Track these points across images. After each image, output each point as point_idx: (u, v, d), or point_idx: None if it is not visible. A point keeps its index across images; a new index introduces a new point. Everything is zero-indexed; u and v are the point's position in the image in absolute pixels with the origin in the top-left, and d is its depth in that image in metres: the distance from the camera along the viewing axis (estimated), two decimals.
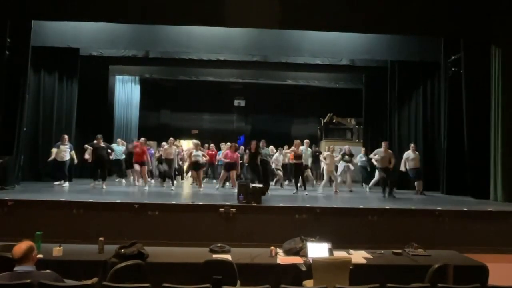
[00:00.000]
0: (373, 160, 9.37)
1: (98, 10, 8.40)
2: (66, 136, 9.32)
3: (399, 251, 4.40)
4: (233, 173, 9.37)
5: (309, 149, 9.86)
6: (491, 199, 8.46)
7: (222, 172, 9.59)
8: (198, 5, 8.35)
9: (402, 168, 9.51)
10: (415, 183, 9.56)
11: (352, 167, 10.29)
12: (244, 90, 15.43)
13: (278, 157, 10.43)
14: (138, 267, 3.38)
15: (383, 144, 9.23)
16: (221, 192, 8.93)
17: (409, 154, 9.48)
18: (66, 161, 9.16)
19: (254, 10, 8.21)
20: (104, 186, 8.87)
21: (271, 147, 10.95)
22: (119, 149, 10.50)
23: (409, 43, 10.21)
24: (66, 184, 9.08)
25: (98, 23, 9.40)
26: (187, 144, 11.76)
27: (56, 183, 9.10)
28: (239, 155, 9.71)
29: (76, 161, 9.46)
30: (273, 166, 10.34)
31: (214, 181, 10.09)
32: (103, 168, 9.13)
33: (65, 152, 9.13)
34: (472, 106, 8.93)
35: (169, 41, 10.11)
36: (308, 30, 9.49)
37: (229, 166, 9.32)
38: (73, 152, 9.33)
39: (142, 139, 9.77)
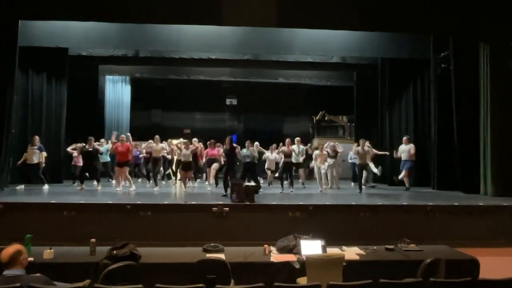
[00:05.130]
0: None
1: (87, 9, 8.28)
2: (37, 137, 8.96)
3: (392, 246, 4.44)
4: (213, 169, 9.28)
5: (301, 146, 9.84)
6: (481, 193, 8.57)
7: (207, 170, 9.55)
8: (192, 3, 8.30)
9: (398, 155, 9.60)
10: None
11: (336, 164, 10.25)
12: (235, 88, 15.38)
13: (269, 156, 10.35)
14: (130, 268, 3.35)
15: (361, 141, 9.36)
16: (213, 191, 8.90)
17: (401, 146, 9.56)
18: (38, 163, 8.79)
19: (249, 8, 8.19)
20: (100, 187, 8.81)
21: (256, 143, 10.81)
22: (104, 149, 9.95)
23: (399, 40, 10.26)
24: (46, 186, 8.76)
25: (87, 22, 9.26)
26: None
27: (19, 186, 8.63)
28: (219, 150, 9.48)
29: (44, 164, 8.93)
30: (266, 165, 10.32)
31: (207, 182, 10.01)
32: (95, 170, 9.02)
33: (34, 154, 8.73)
34: (462, 102, 9.05)
35: (160, 40, 10.01)
36: (302, 28, 9.50)
37: (211, 162, 9.30)
38: (43, 153, 8.93)
39: (123, 135, 9.33)
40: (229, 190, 7.93)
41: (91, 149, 8.91)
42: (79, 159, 9.64)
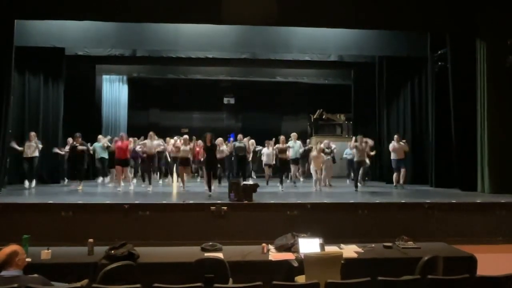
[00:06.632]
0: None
1: (84, 8, 8.25)
2: (33, 133, 9.07)
3: (390, 244, 4.45)
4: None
5: (297, 142, 9.77)
6: (478, 190, 8.60)
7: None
8: (191, 2, 8.28)
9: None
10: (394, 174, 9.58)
11: (330, 161, 10.18)
12: (233, 87, 15.37)
13: (266, 151, 10.28)
14: (128, 268, 3.35)
15: (359, 138, 9.29)
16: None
17: (393, 144, 9.54)
18: (34, 158, 8.86)
19: (249, 7, 8.18)
20: (80, 187, 8.55)
21: (252, 140, 10.78)
22: (100, 145, 9.88)
23: (396, 39, 10.27)
24: (33, 185, 8.73)
25: (84, 22, 9.21)
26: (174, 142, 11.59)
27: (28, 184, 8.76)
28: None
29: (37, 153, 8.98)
30: (264, 161, 10.30)
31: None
32: (80, 169, 8.91)
33: (30, 148, 8.83)
34: (459, 100, 9.06)
35: (157, 39, 9.98)
36: (300, 26, 9.49)
37: None
38: (40, 146, 9.02)
39: (122, 133, 9.41)
40: (213, 189, 8.05)
41: (77, 145, 8.88)
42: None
